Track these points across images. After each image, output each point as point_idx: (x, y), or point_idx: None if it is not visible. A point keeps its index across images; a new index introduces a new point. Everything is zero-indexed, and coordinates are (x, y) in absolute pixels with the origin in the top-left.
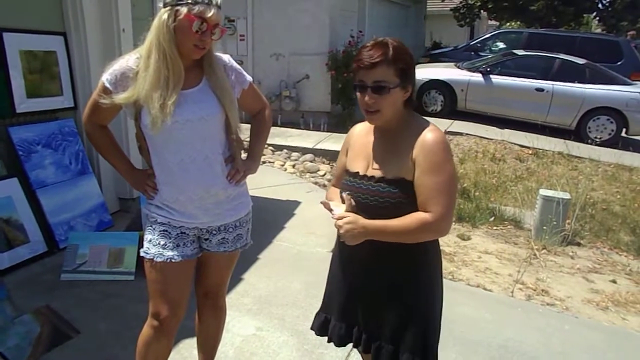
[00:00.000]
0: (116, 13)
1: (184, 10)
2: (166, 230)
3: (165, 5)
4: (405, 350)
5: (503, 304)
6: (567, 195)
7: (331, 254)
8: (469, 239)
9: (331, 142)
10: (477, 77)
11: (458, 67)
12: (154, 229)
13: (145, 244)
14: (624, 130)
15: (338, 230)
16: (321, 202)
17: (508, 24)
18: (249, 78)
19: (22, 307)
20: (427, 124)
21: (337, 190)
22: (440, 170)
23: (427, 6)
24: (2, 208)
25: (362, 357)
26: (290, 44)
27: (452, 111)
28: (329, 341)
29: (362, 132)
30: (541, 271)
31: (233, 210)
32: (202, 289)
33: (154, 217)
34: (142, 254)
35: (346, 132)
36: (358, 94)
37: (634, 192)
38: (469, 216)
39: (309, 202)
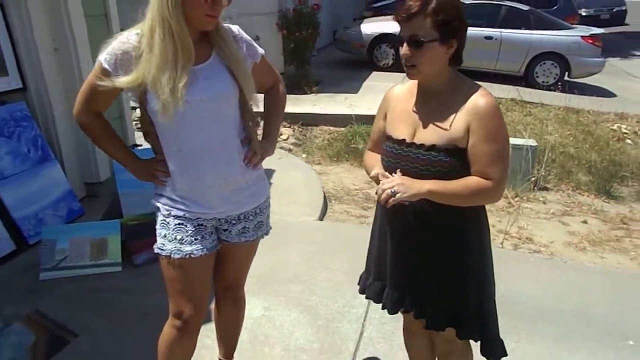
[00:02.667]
0: None
1: None
2: (182, 224)
3: None
4: (462, 315)
5: (496, 256)
6: (534, 143)
7: (317, 221)
8: None
9: (289, 104)
10: None
11: None
12: (167, 222)
13: (160, 240)
14: (567, 73)
15: (388, 192)
16: (371, 177)
17: None
18: (261, 50)
19: (7, 316)
20: (477, 86)
21: (377, 156)
22: (498, 137)
23: None
24: None
25: (405, 321)
26: (238, 4)
27: None
28: (382, 308)
29: (403, 95)
30: (521, 219)
31: (252, 196)
32: (222, 282)
33: (167, 210)
34: (156, 250)
35: (302, 93)
36: (399, 47)
37: (583, 134)
38: None
39: (283, 168)
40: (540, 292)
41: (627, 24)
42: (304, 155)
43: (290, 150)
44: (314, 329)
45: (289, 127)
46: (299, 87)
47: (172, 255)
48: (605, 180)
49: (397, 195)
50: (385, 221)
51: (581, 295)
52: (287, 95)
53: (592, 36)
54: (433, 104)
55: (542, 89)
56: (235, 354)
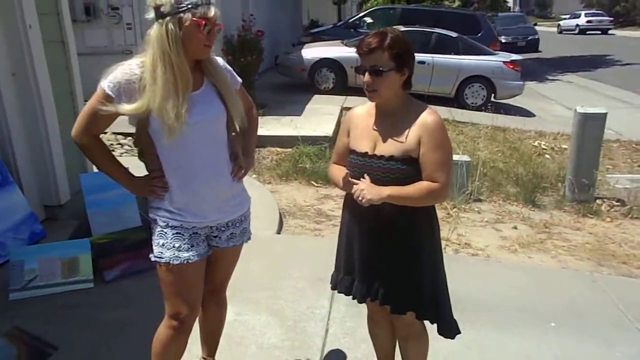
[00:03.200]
0: (20, 7)
1: (188, 16)
2: (179, 233)
3: (164, 17)
4: (421, 299)
5: None
6: (468, 158)
7: (276, 235)
8: None
9: None
10: None
11: (345, 45)
12: (165, 233)
13: (157, 249)
14: (493, 95)
15: (360, 196)
16: (344, 180)
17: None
18: (239, 79)
19: None
20: (425, 106)
21: (342, 168)
22: (443, 147)
23: None
24: None
25: (369, 312)
26: None
27: (344, 88)
28: (352, 298)
29: (363, 115)
30: (459, 227)
31: (238, 206)
32: (209, 285)
33: (164, 221)
34: (154, 259)
35: None
36: (360, 75)
37: (510, 150)
38: None
39: None
40: (479, 289)
41: (540, 51)
42: (254, 176)
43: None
44: (283, 329)
45: None
46: None
47: (171, 262)
48: (530, 191)
49: (364, 199)
50: (353, 223)
51: (512, 289)
52: None
53: (512, 62)
54: (389, 122)
55: (472, 110)
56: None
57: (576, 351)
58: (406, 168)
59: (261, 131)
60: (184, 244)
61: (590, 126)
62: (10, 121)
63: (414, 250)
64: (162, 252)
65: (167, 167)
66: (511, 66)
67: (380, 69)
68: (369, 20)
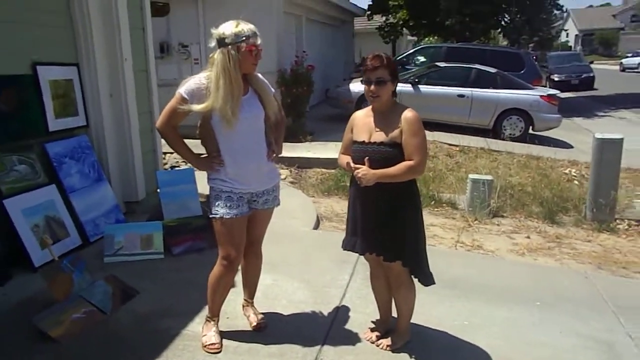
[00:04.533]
0: (120, 45)
1: (243, 44)
2: (230, 197)
3: (226, 45)
4: (405, 251)
5: (450, 254)
6: (490, 177)
7: (312, 230)
8: None
9: (287, 149)
10: (407, 87)
11: None
12: (220, 196)
13: (214, 208)
14: (531, 127)
15: (358, 178)
16: (347, 164)
17: (427, 38)
18: (272, 90)
19: (94, 278)
20: (406, 107)
21: (347, 157)
22: (418, 135)
23: (355, 25)
24: (48, 209)
25: (371, 268)
26: None
27: None
28: (354, 252)
29: (362, 115)
30: (475, 235)
31: (271, 179)
32: (249, 238)
33: (219, 187)
34: (211, 215)
35: (298, 141)
36: (365, 86)
37: (540, 176)
38: None
39: (284, 196)
40: (479, 275)
41: (595, 89)
42: (300, 191)
43: (288, 183)
44: (309, 291)
45: (287, 168)
46: (296, 136)
47: (223, 217)
48: (553, 211)
49: (362, 180)
50: (356, 196)
51: (509, 277)
52: (285, 143)
53: (549, 96)
54: (381, 118)
55: (508, 140)
56: (255, 305)
57: (553, 321)
58: (392, 150)
59: (308, 154)
60: (233, 204)
61: (608, 151)
62: (107, 131)
63: (398, 211)
64: (217, 210)
65: (223, 149)
66: (547, 100)
67: (383, 80)
68: (422, 58)
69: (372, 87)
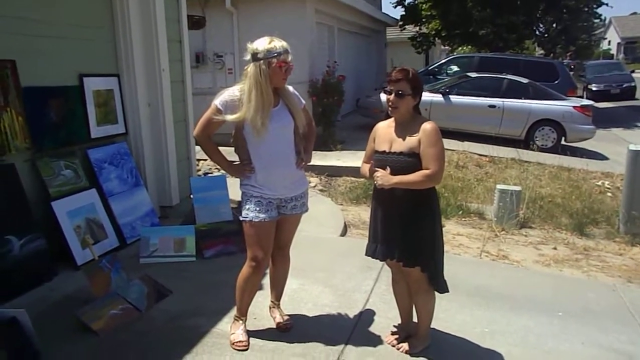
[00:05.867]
0: (158, 57)
1: (274, 60)
2: (259, 201)
3: (259, 60)
4: (423, 258)
5: (474, 263)
6: (518, 188)
7: (339, 237)
8: (443, 226)
9: (317, 158)
10: (438, 97)
11: None
12: (250, 201)
13: (244, 212)
14: (563, 138)
15: (376, 178)
16: (369, 170)
17: (460, 48)
18: (303, 101)
19: (130, 277)
20: (425, 119)
21: (369, 165)
22: (436, 144)
23: (387, 35)
24: (89, 211)
25: (392, 274)
26: None
27: None
28: (375, 258)
29: (384, 126)
30: (502, 245)
31: (300, 186)
32: (277, 242)
33: (250, 192)
34: (241, 218)
35: (328, 150)
36: (386, 96)
37: (571, 187)
38: (442, 210)
39: (313, 203)
40: (502, 284)
41: (637, 99)
42: (329, 199)
43: (318, 191)
44: (334, 296)
45: (317, 176)
46: (326, 145)
47: (252, 220)
48: (582, 223)
49: (379, 181)
50: (377, 204)
51: (532, 287)
52: (315, 151)
53: (582, 107)
54: (401, 129)
55: (540, 151)
56: (281, 306)
57: (575, 331)
58: (411, 160)
59: (338, 162)
60: (262, 208)
61: None
62: (145, 139)
63: (417, 220)
64: (247, 214)
65: (254, 157)
66: (581, 110)
67: (402, 92)
68: (454, 68)
69: (392, 97)
